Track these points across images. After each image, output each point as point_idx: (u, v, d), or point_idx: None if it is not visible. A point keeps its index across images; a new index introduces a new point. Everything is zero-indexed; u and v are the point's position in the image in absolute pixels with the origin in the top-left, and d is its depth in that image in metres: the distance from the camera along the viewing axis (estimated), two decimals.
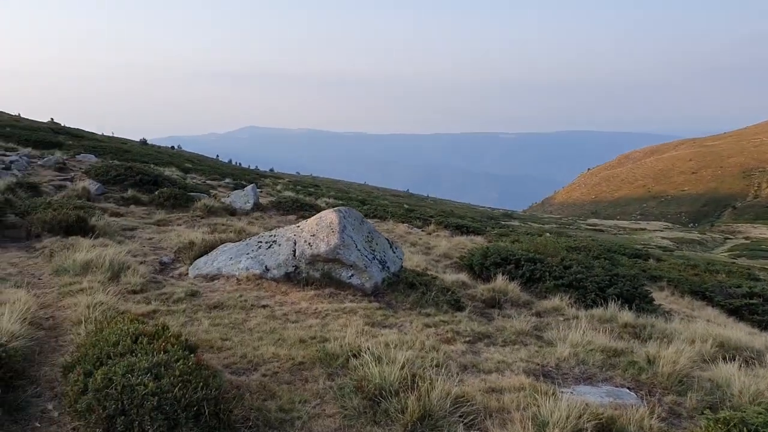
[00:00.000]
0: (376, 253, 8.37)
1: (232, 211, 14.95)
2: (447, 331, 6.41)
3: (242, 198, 15.62)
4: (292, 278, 7.86)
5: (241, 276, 7.82)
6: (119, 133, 75.68)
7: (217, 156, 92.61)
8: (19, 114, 60.29)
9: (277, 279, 7.82)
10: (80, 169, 18.20)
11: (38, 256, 8.24)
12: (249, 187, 16.05)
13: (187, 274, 8.35)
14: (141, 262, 8.18)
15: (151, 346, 4.19)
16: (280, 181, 49.26)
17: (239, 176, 40.84)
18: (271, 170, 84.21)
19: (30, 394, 4.23)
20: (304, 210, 16.11)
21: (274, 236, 8.31)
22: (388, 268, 8.40)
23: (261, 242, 8.30)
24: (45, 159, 17.27)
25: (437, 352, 5.57)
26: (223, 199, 15.60)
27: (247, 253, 8.15)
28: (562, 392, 4.63)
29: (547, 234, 28.00)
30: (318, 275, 7.84)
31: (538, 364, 5.60)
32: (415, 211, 25.94)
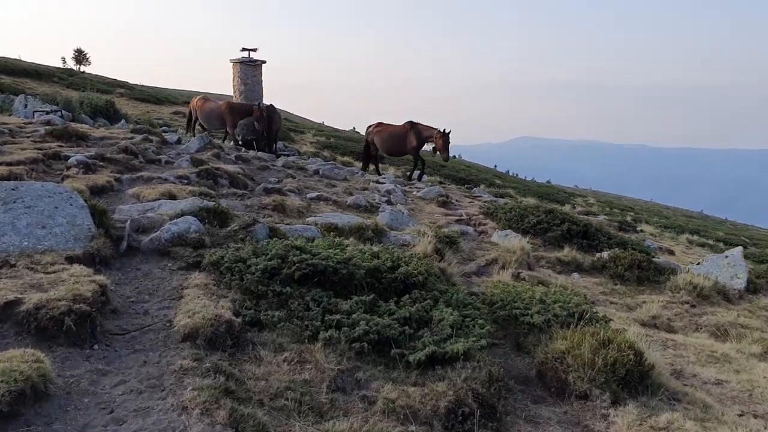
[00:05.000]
0: None
1: (723, 293, 9.35)
2: None
3: (726, 269, 9.87)
4: None
5: None
6: None
7: (495, 166, 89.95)
8: (323, 123, 63.92)
9: None
10: (459, 203, 14.29)
11: None
12: (735, 251, 10.21)
13: None
14: None
15: None
16: (587, 201, 42.35)
17: (544, 195, 34.74)
18: (548, 182, 78.89)
19: None
20: None
21: None
22: None
23: None
24: (425, 189, 13.62)
25: None
26: (693, 269, 10.04)
27: None
28: None
29: None
30: None
31: None
32: None
